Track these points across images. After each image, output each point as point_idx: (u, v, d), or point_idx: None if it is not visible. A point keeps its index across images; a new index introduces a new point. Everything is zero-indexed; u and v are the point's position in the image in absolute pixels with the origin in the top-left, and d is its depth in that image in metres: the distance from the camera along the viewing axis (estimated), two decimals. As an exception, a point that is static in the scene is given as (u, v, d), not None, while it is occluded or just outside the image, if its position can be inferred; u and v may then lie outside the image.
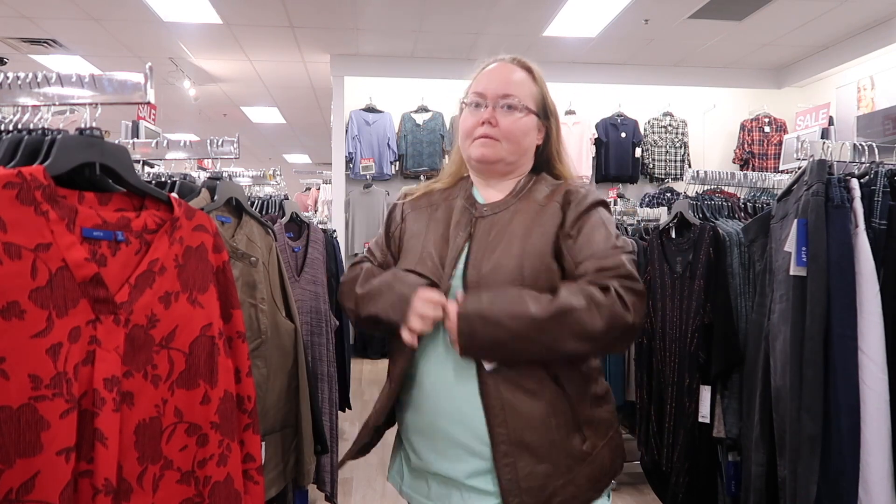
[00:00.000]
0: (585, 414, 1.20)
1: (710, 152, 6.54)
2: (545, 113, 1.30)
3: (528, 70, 1.29)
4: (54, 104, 1.11)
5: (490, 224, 1.24)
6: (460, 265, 1.20)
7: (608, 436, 1.22)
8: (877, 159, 1.66)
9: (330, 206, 6.24)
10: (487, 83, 1.26)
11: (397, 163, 6.19)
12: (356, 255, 6.24)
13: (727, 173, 2.48)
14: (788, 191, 1.72)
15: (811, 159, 1.63)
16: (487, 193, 1.30)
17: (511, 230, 1.21)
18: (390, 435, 1.36)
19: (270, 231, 1.70)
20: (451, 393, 1.18)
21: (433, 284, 1.18)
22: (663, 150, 6.31)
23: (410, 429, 1.26)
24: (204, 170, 2.66)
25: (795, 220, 1.56)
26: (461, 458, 1.18)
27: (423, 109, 6.15)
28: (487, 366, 1.14)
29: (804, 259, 1.54)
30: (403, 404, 1.27)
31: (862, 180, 1.60)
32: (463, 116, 1.29)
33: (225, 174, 1.98)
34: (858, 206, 1.55)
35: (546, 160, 1.33)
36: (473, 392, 1.15)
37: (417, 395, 1.23)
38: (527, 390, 1.15)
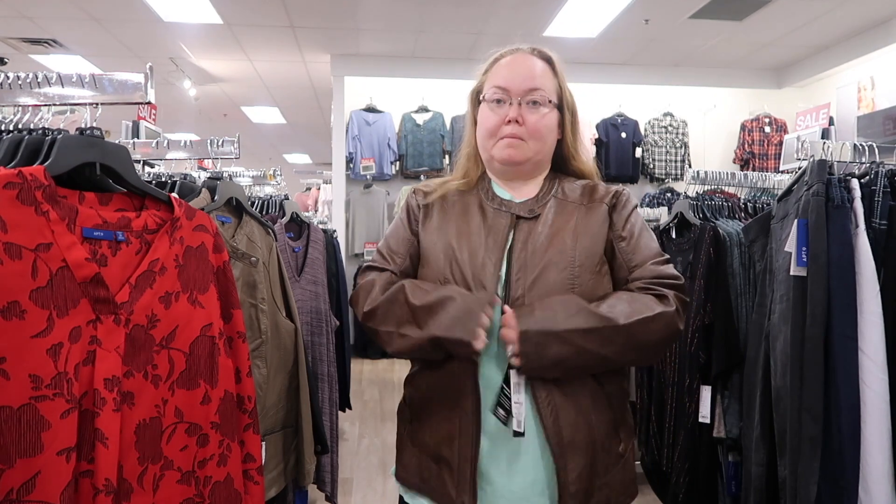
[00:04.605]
0: (621, 414, 1.17)
1: (711, 152, 6.53)
2: (563, 106, 1.21)
3: (549, 61, 1.21)
4: (55, 104, 1.11)
5: (531, 225, 1.16)
6: (503, 271, 1.12)
7: (632, 441, 1.20)
8: (877, 159, 1.66)
9: (330, 206, 6.24)
10: (510, 77, 1.16)
11: (398, 163, 6.18)
12: (357, 255, 6.25)
13: (727, 173, 2.48)
14: (789, 191, 1.72)
15: (811, 159, 1.63)
16: (513, 193, 1.22)
17: (557, 232, 1.15)
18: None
19: (271, 231, 1.70)
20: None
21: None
22: (664, 150, 6.31)
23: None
24: (204, 170, 2.67)
25: (796, 221, 1.56)
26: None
27: (424, 109, 6.15)
28: (516, 425, 1.06)
29: (804, 259, 1.53)
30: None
31: (862, 180, 1.60)
32: (483, 113, 1.20)
33: (225, 174, 1.98)
34: (859, 206, 1.54)
35: (563, 156, 1.26)
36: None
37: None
38: (571, 387, 1.10)
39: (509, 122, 1.16)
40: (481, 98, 1.21)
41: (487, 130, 1.19)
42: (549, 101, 1.17)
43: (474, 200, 1.22)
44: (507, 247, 1.15)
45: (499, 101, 1.17)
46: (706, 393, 2.06)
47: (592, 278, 1.13)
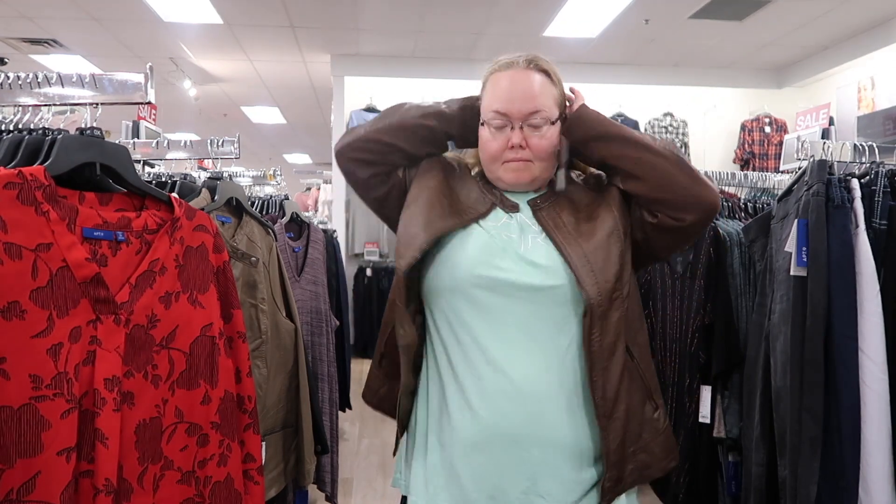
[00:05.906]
0: (653, 382, 1.21)
1: (711, 152, 6.53)
2: (565, 114, 1.23)
3: (546, 72, 1.21)
4: (55, 104, 1.11)
5: (556, 209, 1.18)
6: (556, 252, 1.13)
7: (666, 416, 1.23)
8: (877, 159, 1.66)
9: (330, 206, 6.23)
10: (509, 102, 1.16)
11: (397, 163, 6.17)
12: (357, 255, 6.24)
13: (728, 173, 2.48)
14: (789, 191, 1.72)
15: (811, 159, 1.63)
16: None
17: (593, 210, 1.18)
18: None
19: (271, 231, 1.70)
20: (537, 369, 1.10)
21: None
22: (664, 150, 6.31)
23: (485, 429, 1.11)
24: (204, 170, 2.66)
25: (796, 221, 1.56)
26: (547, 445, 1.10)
27: (424, 109, 6.15)
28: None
29: (804, 259, 1.53)
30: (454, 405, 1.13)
31: (862, 180, 1.60)
32: (485, 137, 1.19)
33: (225, 174, 1.98)
34: (859, 206, 1.55)
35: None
36: (573, 363, 1.10)
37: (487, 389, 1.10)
38: (609, 354, 1.10)
39: (513, 146, 1.16)
40: (481, 122, 1.21)
41: (491, 155, 1.19)
42: (551, 122, 1.19)
43: (468, 176, 1.26)
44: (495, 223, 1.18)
45: (499, 126, 1.17)
46: (706, 393, 2.06)
47: (629, 252, 1.18)
